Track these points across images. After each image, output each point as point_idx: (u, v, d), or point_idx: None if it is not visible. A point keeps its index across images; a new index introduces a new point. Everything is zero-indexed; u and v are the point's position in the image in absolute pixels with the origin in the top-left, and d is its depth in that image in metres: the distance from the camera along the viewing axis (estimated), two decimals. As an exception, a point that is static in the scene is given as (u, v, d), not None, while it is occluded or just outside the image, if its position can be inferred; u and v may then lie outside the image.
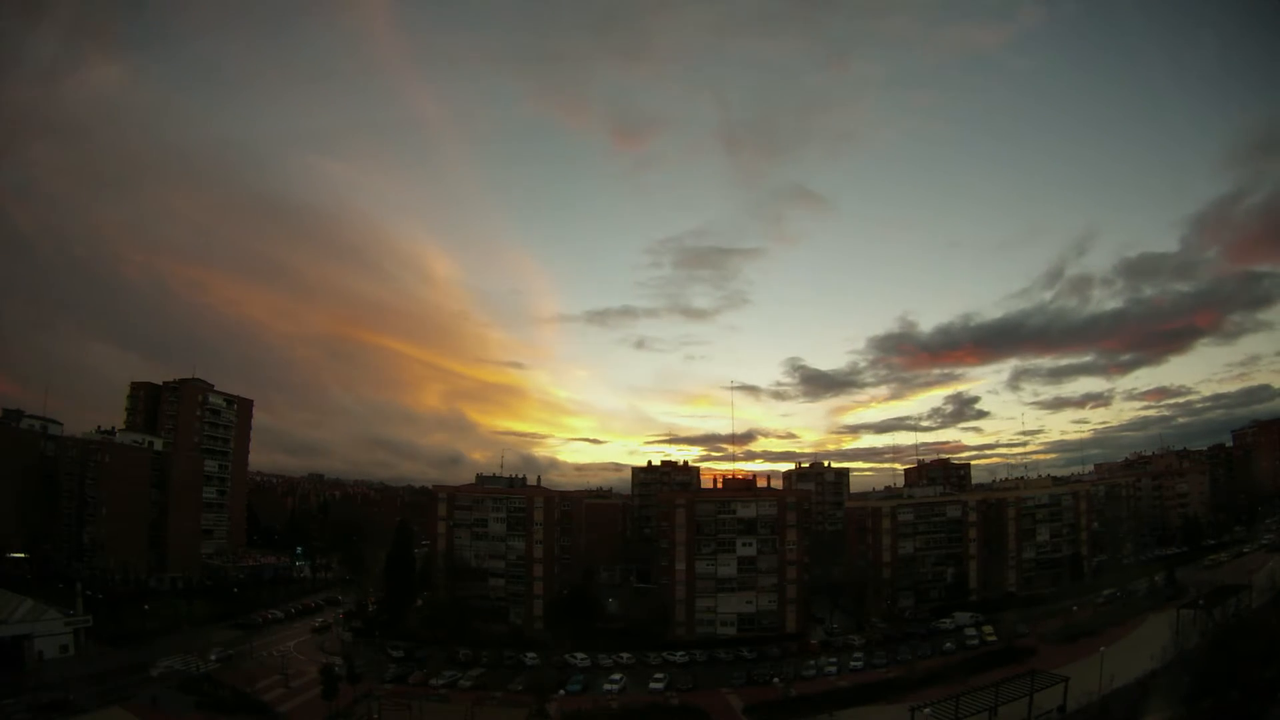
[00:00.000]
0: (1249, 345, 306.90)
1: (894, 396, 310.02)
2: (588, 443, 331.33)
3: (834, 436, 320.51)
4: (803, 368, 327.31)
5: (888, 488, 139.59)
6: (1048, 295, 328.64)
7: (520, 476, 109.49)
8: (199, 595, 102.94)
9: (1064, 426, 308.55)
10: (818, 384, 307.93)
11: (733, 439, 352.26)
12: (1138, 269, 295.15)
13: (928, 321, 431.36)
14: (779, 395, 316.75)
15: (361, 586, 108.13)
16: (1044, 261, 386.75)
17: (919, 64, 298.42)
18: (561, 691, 65.37)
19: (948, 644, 78.62)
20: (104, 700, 59.12)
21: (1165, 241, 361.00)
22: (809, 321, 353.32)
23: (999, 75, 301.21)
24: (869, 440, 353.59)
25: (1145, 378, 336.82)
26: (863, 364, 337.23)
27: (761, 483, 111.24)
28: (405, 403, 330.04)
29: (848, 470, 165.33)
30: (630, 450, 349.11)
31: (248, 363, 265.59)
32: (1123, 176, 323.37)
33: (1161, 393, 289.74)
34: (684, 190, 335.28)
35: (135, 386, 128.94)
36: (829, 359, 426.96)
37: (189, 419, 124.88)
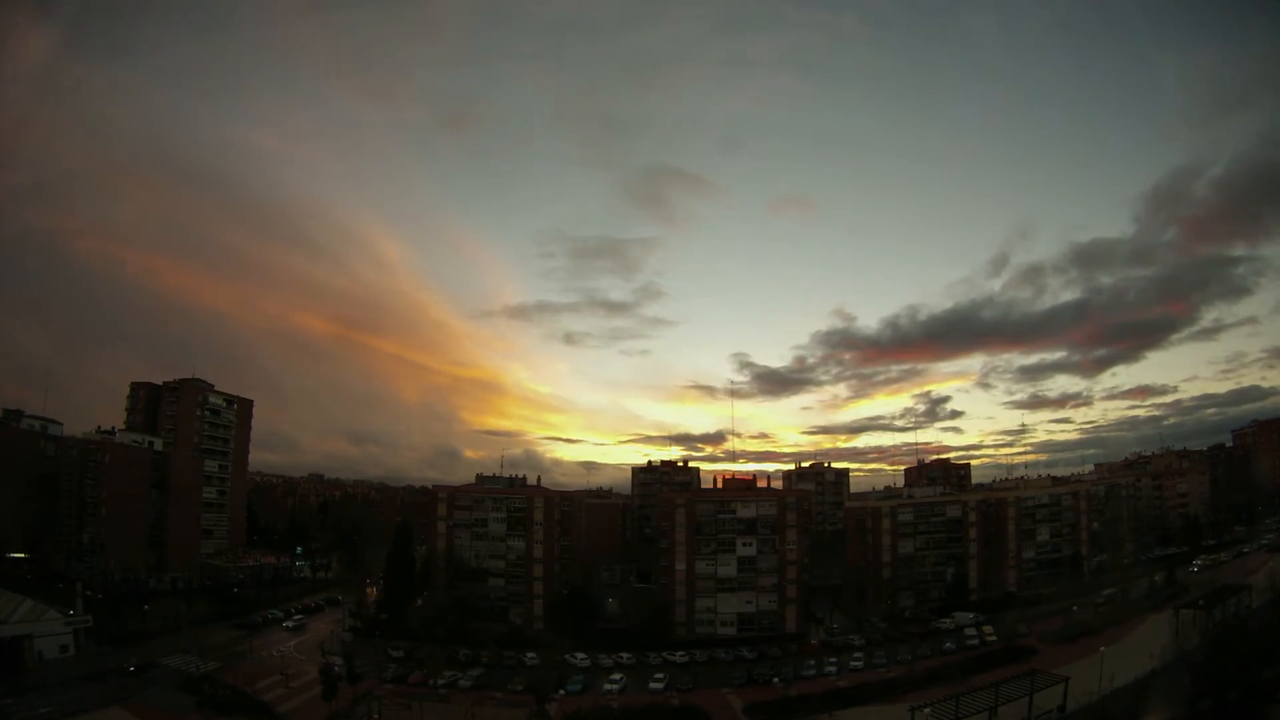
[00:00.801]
0: (1232, 342, 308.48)
1: (858, 395, 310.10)
2: (562, 441, 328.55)
3: (809, 437, 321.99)
4: (751, 364, 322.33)
5: (887, 488, 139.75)
6: (995, 285, 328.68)
7: (520, 476, 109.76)
8: (199, 595, 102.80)
9: (1047, 426, 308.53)
10: (772, 382, 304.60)
11: (706, 439, 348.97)
12: (1090, 256, 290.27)
13: (869, 315, 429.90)
14: (737, 394, 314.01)
15: (361, 586, 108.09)
16: (985, 249, 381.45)
17: (826, 43, 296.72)
18: (561, 691, 65.33)
19: (948, 644, 78.62)
20: (104, 700, 59.13)
21: (1117, 224, 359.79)
22: (745, 316, 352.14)
23: (924, 52, 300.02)
24: (845, 441, 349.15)
25: (1125, 375, 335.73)
26: (811, 359, 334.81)
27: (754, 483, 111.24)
28: (377, 396, 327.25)
29: (848, 470, 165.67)
30: (599, 445, 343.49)
31: (210, 353, 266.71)
32: (1064, 154, 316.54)
33: (1145, 391, 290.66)
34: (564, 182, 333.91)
35: (135, 386, 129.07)
36: (774, 356, 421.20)
37: (189, 419, 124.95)
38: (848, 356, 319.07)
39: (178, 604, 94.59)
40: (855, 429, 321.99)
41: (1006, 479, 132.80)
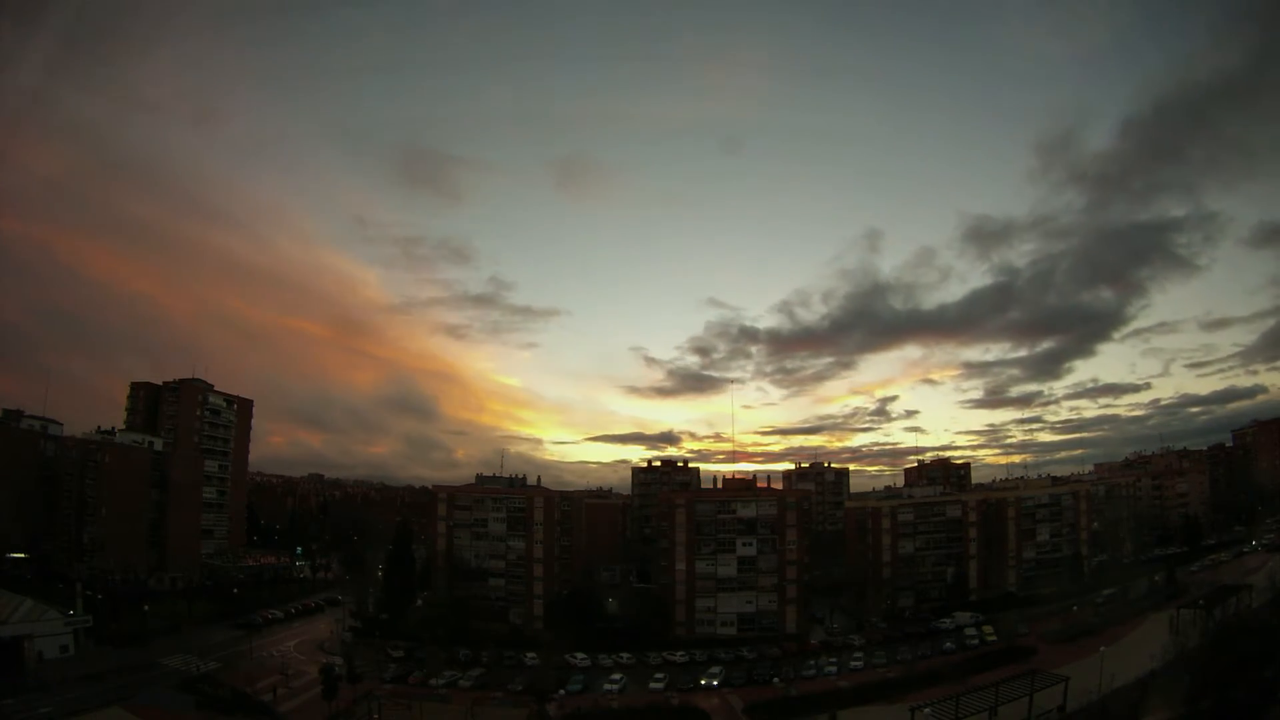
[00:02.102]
0: (1198, 335, 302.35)
1: (798, 393, 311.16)
2: (525, 439, 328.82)
3: (757, 437, 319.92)
4: (655, 361, 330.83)
5: (887, 487, 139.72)
6: (887, 267, 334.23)
7: (520, 476, 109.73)
8: (199, 595, 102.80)
9: (1026, 426, 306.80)
10: (693, 380, 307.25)
11: (665, 438, 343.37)
12: (984, 233, 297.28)
13: (756, 305, 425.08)
14: (663, 393, 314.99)
15: (361, 586, 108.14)
16: (859, 226, 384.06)
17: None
18: (562, 691, 65.36)
19: (948, 644, 78.59)
20: (104, 700, 59.10)
21: (1006, 198, 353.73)
22: (640, 310, 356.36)
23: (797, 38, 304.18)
24: (800, 441, 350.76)
25: (1084, 371, 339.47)
26: (719, 354, 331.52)
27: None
28: (318, 383, 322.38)
29: (847, 470, 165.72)
30: (561, 444, 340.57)
31: (144, 340, 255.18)
32: (949, 131, 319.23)
33: (1116, 389, 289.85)
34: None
35: (135, 386, 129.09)
36: (666, 350, 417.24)
37: (189, 419, 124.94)
38: (754, 349, 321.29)
39: (178, 604, 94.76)
40: (810, 429, 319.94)
41: (1006, 479, 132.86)
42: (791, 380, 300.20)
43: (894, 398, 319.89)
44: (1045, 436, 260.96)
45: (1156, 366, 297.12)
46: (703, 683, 68.83)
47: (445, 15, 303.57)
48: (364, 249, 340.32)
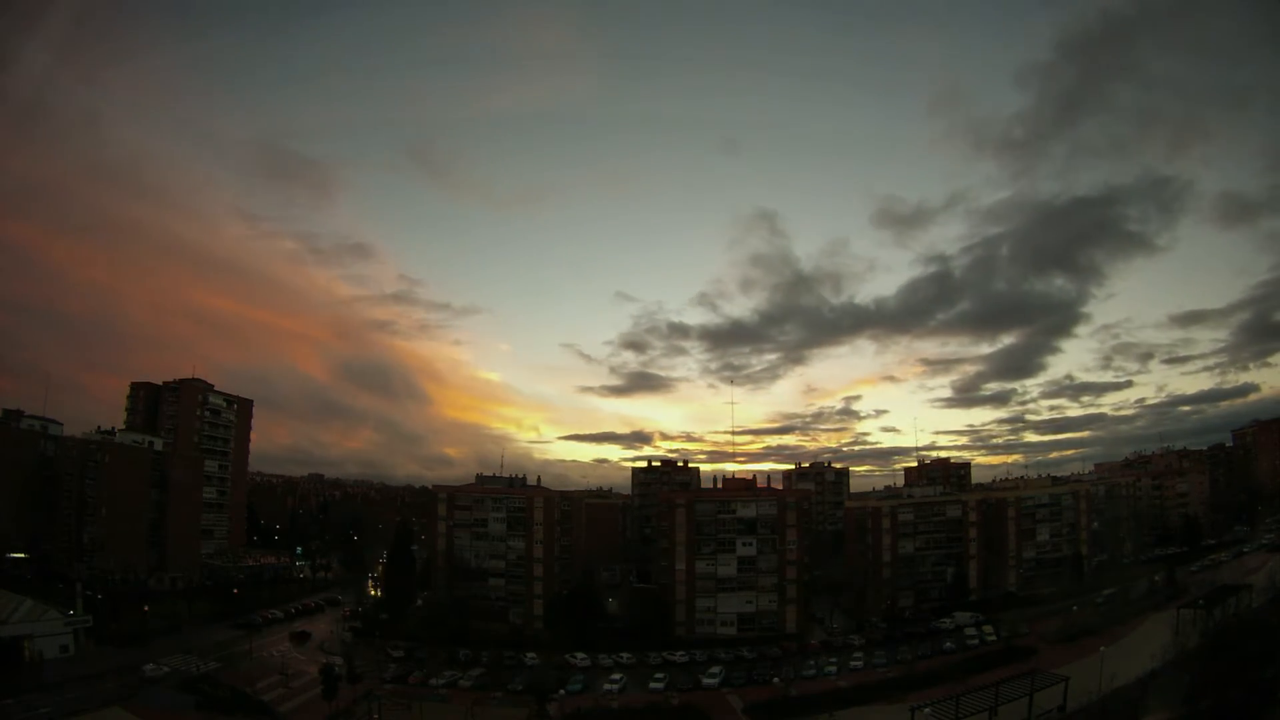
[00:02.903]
0: (1169, 333, 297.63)
1: (755, 391, 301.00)
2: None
3: (729, 437, 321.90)
4: (590, 358, 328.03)
5: (887, 487, 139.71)
6: (802, 255, 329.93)
7: (520, 476, 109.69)
8: (199, 595, 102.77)
9: (994, 425, 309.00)
10: (641, 379, 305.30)
11: (637, 437, 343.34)
12: (896, 216, 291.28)
13: (675, 298, 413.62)
14: (617, 391, 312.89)
15: (361, 586, 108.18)
16: (761, 211, 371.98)
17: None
18: (562, 691, 65.28)
19: (948, 644, 78.67)
20: (104, 700, 59.12)
21: (918, 178, 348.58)
22: (542, 306, 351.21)
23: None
24: (775, 441, 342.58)
25: (1058, 368, 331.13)
26: (656, 351, 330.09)
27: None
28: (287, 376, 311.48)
29: (847, 470, 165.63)
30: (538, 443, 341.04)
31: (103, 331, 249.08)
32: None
33: (1093, 388, 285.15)
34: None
35: (135, 386, 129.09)
36: (596, 347, 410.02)
37: (189, 419, 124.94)
38: (687, 344, 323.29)
39: (178, 604, 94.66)
40: (781, 429, 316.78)
41: (1006, 479, 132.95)
42: (744, 379, 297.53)
43: (857, 396, 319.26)
44: (1032, 437, 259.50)
45: (1133, 363, 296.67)
46: (703, 682, 68.83)
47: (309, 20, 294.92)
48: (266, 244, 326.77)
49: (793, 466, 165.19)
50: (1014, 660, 66.35)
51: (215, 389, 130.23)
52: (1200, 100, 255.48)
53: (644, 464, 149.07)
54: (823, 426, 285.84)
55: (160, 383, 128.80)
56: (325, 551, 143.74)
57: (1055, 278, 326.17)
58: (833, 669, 71.94)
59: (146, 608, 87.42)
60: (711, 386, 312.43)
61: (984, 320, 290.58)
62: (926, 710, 49.55)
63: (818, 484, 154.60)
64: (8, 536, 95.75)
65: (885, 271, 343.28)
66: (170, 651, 74.02)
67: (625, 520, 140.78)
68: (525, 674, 71.67)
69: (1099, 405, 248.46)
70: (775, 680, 67.32)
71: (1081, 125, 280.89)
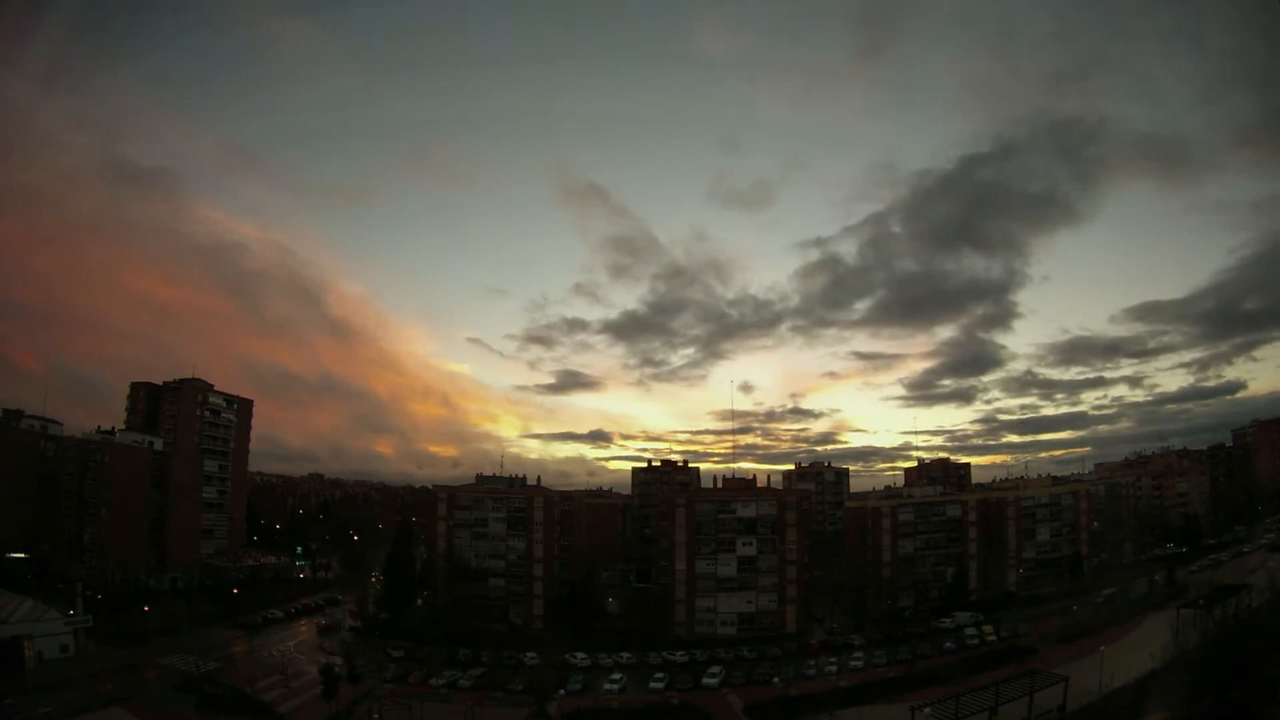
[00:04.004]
0: (1129, 326, 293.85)
1: (691, 388, 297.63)
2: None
3: (689, 436, 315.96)
4: (497, 353, 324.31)
5: (887, 487, 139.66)
6: (665, 240, 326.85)
7: (520, 476, 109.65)
8: (199, 595, 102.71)
9: (970, 425, 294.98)
10: (569, 378, 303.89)
11: (597, 435, 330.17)
12: (743, 198, 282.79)
13: (554, 290, 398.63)
14: (553, 390, 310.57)
15: (361, 586, 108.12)
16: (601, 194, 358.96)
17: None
18: (561, 691, 65.41)
19: (948, 644, 78.64)
20: (104, 700, 59.16)
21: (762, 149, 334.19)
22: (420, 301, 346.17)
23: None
24: (740, 439, 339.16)
25: (1019, 364, 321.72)
26: (564, 347, 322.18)
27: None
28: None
29: (847, 470, 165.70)
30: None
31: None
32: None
33: (1062, 385, 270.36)
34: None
35: (135, 386, 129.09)
36: (499, 343, 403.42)
37: (189, 419, 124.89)
38: (594, 340, 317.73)
39: (178, 604, 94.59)
40: (741, 429, 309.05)
41: (1006, 479, 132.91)
42: (672, 376, 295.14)
43: (801, 394, 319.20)
44: (1012, 437, 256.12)
45: (1097, 359, 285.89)
46: (703, 682, 68.84)
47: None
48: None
49: (792, 467, 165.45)
50: (1014, 660, 66.35)
51: (215, 389, 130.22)
52: (1101, 25, 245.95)
53: (644, 464, 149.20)
54: (784, 427, 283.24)
55: (160, 383, 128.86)
56: (325, 551, 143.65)
57: (968, 257, 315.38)
58: (833, 669, 71.93)
59: (146, 608, 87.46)
60: (640, 384, 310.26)
61: (906, 309, 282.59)
62: (926, 710, 49.60)
63: (818, 484, 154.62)
64: (8, 536, 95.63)
65: (763, 256, 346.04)
66: (170, 651, 74.12)
67: (625, 520, 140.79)
68: (525, 674, 71.67)
69: (1077, 404, 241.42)
70: (775, 680, 67.30)
71: (952, 70, 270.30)
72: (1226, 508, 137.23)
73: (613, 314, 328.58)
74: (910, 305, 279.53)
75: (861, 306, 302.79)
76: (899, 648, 78.10)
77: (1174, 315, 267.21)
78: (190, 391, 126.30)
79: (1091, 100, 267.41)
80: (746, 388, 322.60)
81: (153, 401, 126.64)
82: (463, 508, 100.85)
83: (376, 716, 56.92)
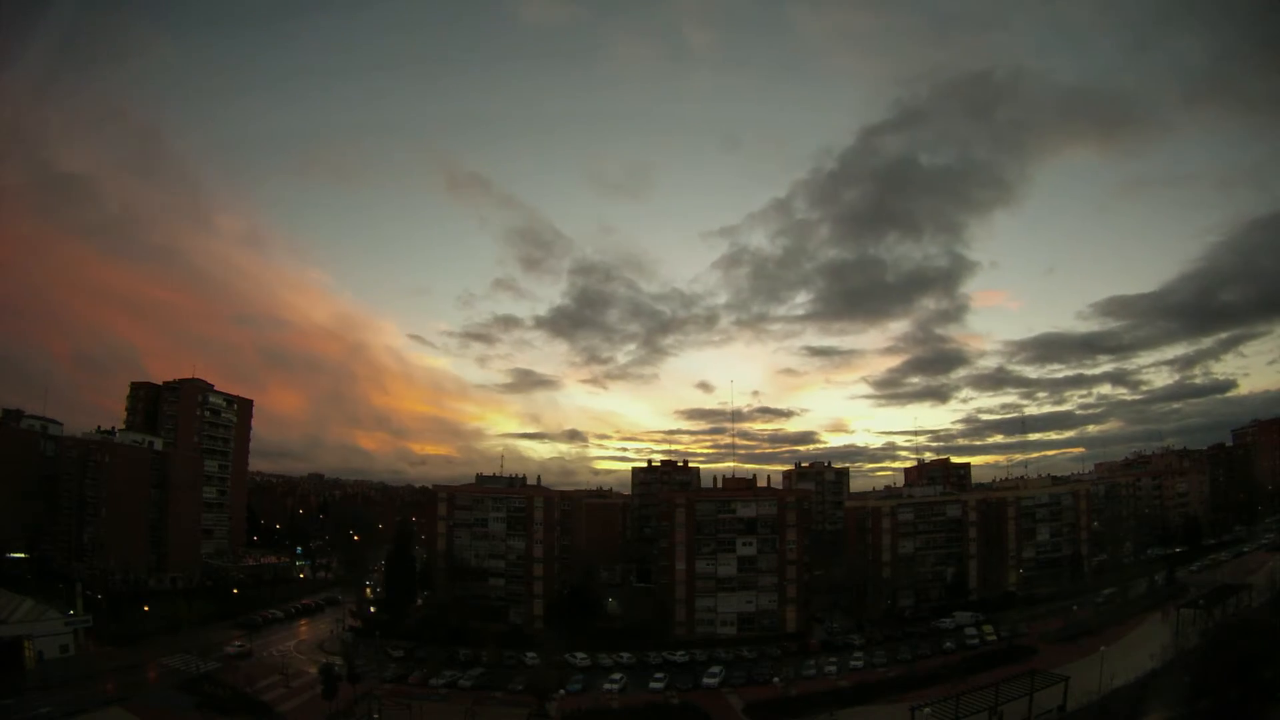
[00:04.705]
0: (1099, 321, 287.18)
1: (646, 387, 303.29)
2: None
3: (664, 435, 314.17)
4: (435, 348, 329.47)
5: (887, 487, 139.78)
6: (575, 238, 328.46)
7: (520, 476, 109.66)
8: (199, 595, 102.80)
9: (951, 425, 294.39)
10: (525, 376, 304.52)
11: (572, 435, 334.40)
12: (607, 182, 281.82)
13: (476, 285, 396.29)
14: (508, 389, 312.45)
15: (361, 586, 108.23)
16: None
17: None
18: (561, 691, 65.22)
19: (948, 643, 78.57)
20: (104, 700, 59.15)
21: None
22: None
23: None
24: (716, 440, 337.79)
25: (988, 360, 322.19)
26: (503, 344, 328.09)
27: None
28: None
29: (847, 470, 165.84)
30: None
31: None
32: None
33: (1046, 384, 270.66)
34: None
35: (135, 386, 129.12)
36: (437, 338, 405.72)
37: (189, 419, 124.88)
38: (531, 336, 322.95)
39: (178, 604, 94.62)
40: (713, 430, 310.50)
41: (1006, 478, 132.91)
42: (624, 374, 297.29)
43: (762, 392, 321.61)
44: (999, 438, 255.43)
45: (1072, 355, 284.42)
46: (703, 682, 68.81)
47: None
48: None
49: (774, 467, 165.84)
50: (1014, 660, 66.26)
51: (214, 389, 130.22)
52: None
53: (644, 464, 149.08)
54: (759, 426, 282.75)
55: (160, 383, 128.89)
56: (325, 551, 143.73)
57: (898, 242, 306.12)
58: (833, 669, 71.86)
59: (146, 608, 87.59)
60: (596, 382, 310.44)
61: (848, 302, 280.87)
62: (926, 710, 49.51)
63: (818, 484, 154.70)
64: (8, 536, 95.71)
65: (675, 249, 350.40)
66: (170, 651, 74.09)
67: (625, 520, 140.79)
68: (525, 674, 71.52)
69: (1061, 403, 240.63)
70: (775, 680, 67.25)
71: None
72: (1226, 508, 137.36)
73: (540, 309, 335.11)
74: (852, 297, 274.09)
75: (802, 300, 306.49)
76: (899, 648, 78.08)
77: (1143, 310, 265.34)
78: (190, 391, 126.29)
79: (999, 51, 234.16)
80: (705, 386, 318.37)
81: (153, 401, 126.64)
82: (463, 508, 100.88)
83: (376, 716, 56.87)
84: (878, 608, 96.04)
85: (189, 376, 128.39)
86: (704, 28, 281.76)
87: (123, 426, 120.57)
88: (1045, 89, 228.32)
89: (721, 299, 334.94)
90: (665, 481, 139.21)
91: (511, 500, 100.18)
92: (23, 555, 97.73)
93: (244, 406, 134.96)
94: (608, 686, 68.09)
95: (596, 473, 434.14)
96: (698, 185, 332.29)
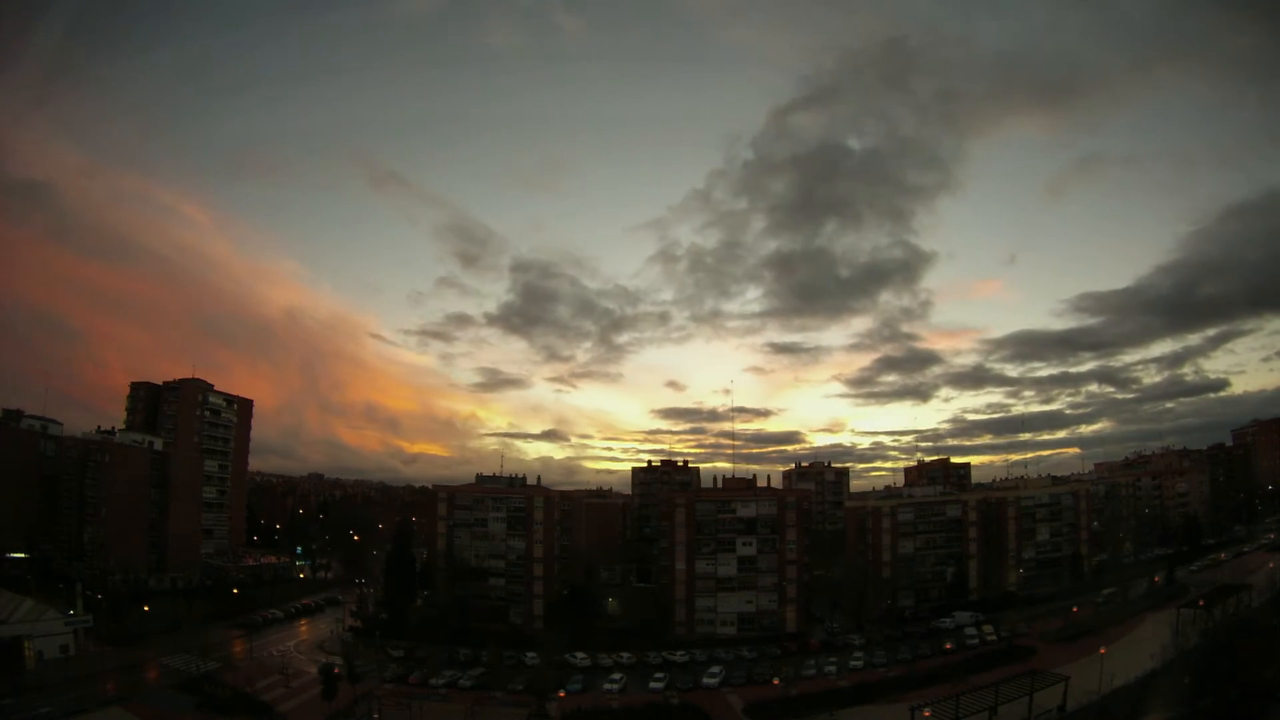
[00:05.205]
0: (1073, 318, 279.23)
1: (611, 385, 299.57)
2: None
3: (643, 434, 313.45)
4: (394, 344, 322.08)
5: (887, 487, 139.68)
6: (508, 235, 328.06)
7: (520, 476, 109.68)
8: (199, 595, 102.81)
9: (939, 425, 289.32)
10: (495, 379, 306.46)
11: (552, 434, 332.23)
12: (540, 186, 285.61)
13: (420, 283, 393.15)
14: (483, 388, 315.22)
15: (361, 586, 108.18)
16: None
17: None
18: (561, 691, 65.30)
19: (948, 643, 78.55)
20: (104, 700, 59.15)
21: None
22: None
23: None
24: (698, 440, 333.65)
25: (961, 357, 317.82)
26: (461, 341, 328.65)
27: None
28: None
29: (848, 470, 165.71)
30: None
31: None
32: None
33: (1030, 383, 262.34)
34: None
35: (135, 386, 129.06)
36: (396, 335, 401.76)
37: (189, 419, 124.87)
38: (485, 334, 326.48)
39: (178, 604, 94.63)
40: (691, 430, 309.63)
41: (1006, 478, 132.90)
42: (587, 374, 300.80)
43: (727, 391, 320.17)
44: (989, 438, 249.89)
45: (1052, 353, 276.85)
46: (703, 682, 68.82)
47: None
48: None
49: (791, 467, 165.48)
50: (1014, 660, 66.31)
51: (215, 389, 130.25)
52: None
53: (644, 463, 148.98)
54: (740, 427, 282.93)
55: (160, 383, 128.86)
56: (325, 551, 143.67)
57: (842, 233, 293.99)
58: (833, 669, 71.84)
59: (146, 608, 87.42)
60: (564, 381, 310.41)
61: (802, 296, 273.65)
62: (926, 710, 49.54)
63: (818, 484, 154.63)
64: (8, 536, 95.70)
65: (607, 244, 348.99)
66: (170, 651, 74.07)
67: (625, 520, 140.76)
68: (525, 674, 71.53)
69: (1050, 402, 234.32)
70: (775, 680, 67.22)
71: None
72: (1226, 508, 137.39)
73: (489, 305, 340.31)
74: (805, 292, 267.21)
75: (754, 295, 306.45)
76: (899, 648, 78.09)
77: (1120, 306, 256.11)
78: (190, 391, 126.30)
79: (908, 12, 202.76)
80: (675, 385, 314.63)
81: (153, 401, 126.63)
82: (463, 507, 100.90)
83: (376, 716, 56.86)
84: (878, 608, 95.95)
85: (189, 376, 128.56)
86: (572, 13, 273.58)
87: (123, 426, 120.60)
88: (970, 55, 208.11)
89: (667, 295, 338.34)
90: (665, 481, 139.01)
91: (511, 500, 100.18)
92: (23, 555, 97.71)
93: (244, 406, 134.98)
94: (608, 686, 68.10)
95: (596, 472, 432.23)
96: (616, 179, 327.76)
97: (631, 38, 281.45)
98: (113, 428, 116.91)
